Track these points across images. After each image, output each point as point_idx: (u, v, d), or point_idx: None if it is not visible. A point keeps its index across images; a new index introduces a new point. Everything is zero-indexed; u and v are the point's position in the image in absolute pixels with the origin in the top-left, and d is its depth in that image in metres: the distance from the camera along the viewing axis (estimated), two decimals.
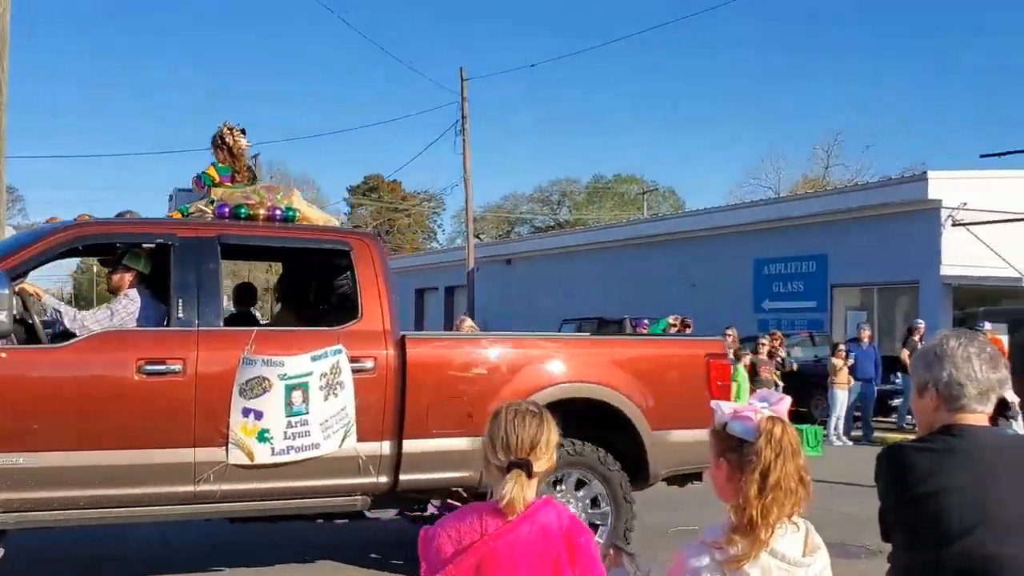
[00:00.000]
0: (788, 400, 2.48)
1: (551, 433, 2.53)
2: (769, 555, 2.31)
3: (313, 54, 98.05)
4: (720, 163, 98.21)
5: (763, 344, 15.90)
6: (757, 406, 2.43)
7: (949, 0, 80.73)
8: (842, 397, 16.02)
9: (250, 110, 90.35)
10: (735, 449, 2.40)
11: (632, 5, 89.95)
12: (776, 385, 15.34)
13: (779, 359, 16.43)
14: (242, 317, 7.98)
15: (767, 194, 50.24)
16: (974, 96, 79.36)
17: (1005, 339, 20.18)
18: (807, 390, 16.95)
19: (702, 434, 2.73)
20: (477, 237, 52.44)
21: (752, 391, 15.11)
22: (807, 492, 2.37)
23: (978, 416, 2.57)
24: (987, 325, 17.41)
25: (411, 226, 71.72)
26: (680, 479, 7.74)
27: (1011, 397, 14.88)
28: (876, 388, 16.82)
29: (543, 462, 2.50)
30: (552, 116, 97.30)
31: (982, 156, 19.95)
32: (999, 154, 19.58)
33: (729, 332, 16.45)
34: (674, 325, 16.57)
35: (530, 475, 2.47)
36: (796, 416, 16.75)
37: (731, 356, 16.04)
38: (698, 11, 79.47)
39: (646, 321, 17.13)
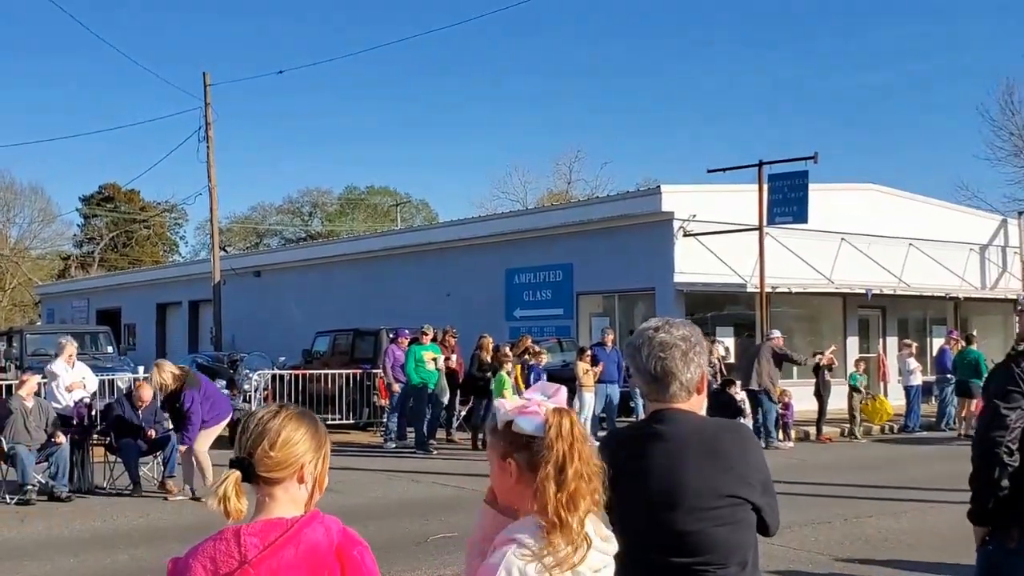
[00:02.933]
0: (564, 390, 2.41)
1: (297, 437, 2.26)
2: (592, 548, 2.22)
3: (45, 54, 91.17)
4: (469, 177, 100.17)
5: (507, 352, 16.36)
6: (539, 399, 2.33)
7: (676, 25, 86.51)
8: (589, 399, 16.76)
9: None
10: (523, 447, 2.26)
11: (384, 15, 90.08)
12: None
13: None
14: None
15: (515, 207, 51.77)
16: (702, 115, 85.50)
17: (731, 342, 21.92)
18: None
19: None
20: (223, 249, 50.63)
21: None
22: (604, 477, 2.30)
23: (684, 403, 2.67)
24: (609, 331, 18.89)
25: (151, 238, 68.13)
26: None
27: (739, 395, 16.25)
28: (619, 390, 17.73)
29: (280, 470, 2.23)
30: (302, 124, 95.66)
31: (709, 171, 21.40)
32: (724, 169, 21.13)
33: (484, 340, 16.88)
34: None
35: (251, 479, 2.22)
36: None
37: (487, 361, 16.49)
38: (442, 27, 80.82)
39: (407, 331, 17.18)
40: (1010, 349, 3.84)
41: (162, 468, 11.99)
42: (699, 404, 2.75)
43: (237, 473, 2.21)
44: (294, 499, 2.27)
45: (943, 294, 24.24)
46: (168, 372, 11.39)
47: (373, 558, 2.30)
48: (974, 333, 20.35)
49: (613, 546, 2.34)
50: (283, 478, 2.24)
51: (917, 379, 19.20)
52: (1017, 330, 3.96)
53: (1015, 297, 25.41)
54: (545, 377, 16.10)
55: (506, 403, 2.35)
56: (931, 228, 25.81)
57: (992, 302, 26.65)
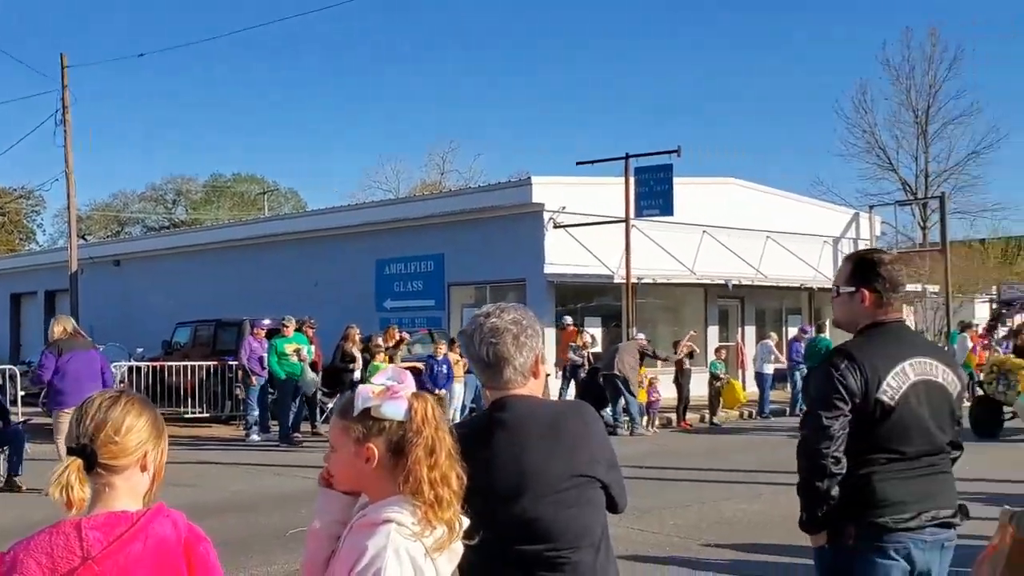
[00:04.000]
0: (411, 376, 2.42)
1: (140, 423, 2.20)
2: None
3: None
4: (341, 167, 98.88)
5: (379, 343, 16.24)
6: (394, 385, 2.33)
7: (551, 23, 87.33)
8: (459, 390, 16.78)
9: None
10: (382, 433, 2.28)
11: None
12: None
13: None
14: None
15: (387, 197, 51.36)
16: (571, 110, 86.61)
17: (599, 332, 22.33)
18: (425, 385, 17.55)
19: None
20: (82, 237, 48.58)
21: None
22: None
23: (521, 388, 2.67)
24: (568, 319, 19.36)
25: (6, 226, 64.86)
26: None
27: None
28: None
29: (124, 457, 2.16)
30: (163, 110, 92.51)
31: (578, 163, 21.75)
32: (591, 162, 21.51)
33: (352, 329, 16.69)
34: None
35: (92, 467, 2.12)
36: None
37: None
38: (312, 9, 79.42)
39: (266, 322, 16.82)
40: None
41: (6, 464, 11.37)
42: (538, 388, 2.74)
43: (79, 461, 2.11)
44: (134, 489, 2.19)
45: (798, 285, 25.26)
46: (60, 325, 10.76)
47: (215, 555, 2.25)
48: (825, 322, 21.27)
49: (466, 520, 2.37)
50: (126, 466, 2.16)
51: (769, 368, 19.91)
52: (833, 316, 3.87)
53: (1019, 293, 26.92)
54: (447, 368, 16.07)
55: (368, 388, 2.34)
56: (788, 221, 26.82)
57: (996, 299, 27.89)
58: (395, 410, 2.29)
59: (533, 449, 2.60)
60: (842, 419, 3.35)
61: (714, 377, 18.52)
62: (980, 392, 16.55)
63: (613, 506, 2.73)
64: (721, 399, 18.65)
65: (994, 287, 27.96)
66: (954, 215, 37.83)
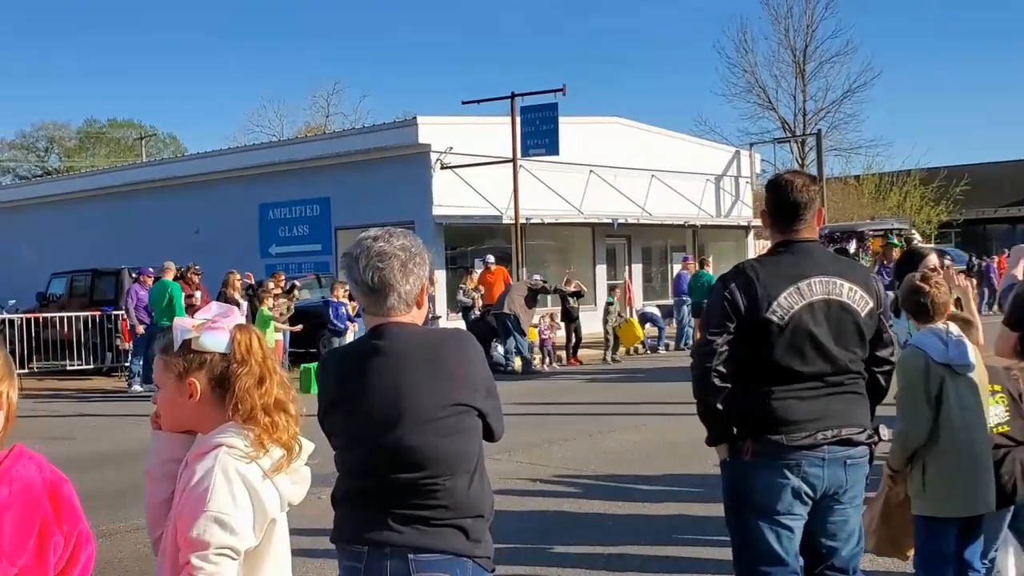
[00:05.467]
0: (237, 310, 2.45)
1: None
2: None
3: None
4: (222, 112, 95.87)
5: (269, 288, 15.97)
6: (215, 317, 2.36)
7: None
8: (351, 335, 16.63)
9: None
10: (203, 366, 2.31)
11: None
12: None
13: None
14: None
15: (271, 140, 50.09)
16: (458, 48, 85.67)
17: None
18: (315, 330, 17.35)
19: None
20: None
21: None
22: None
23: (403, 316, 2.63)
24: (491, 258, 19.29)
25: None
26: None
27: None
28: None
29: None
30: (32, 52, 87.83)
31: (463, 103, 21.55)
32: (477, 101, 21.37)
33: (235, 277, 16.33)
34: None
35: None
36: (304, 356, 17.13)
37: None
38: None
39: (151, 270, 16.29)
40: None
41: None
42: (420, 317, 2.71)
43: None
44: None
45: (682, 222, 25.77)
46: None
47: (76, 495, 2.14)
48: (708, 258, 21.79)
49: (310, 445, 2.41)
50: None
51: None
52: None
53: (746, 224, 27.49)
54: (346, 309, 15.86)
55: (186, 321, 2.35)
56: (671, 160, 27.23)
57: (726, 229, 28.63)
58: (215, 341, 2.30)
59: (411, 377, 2.58)
60: (725, 336, 3.42)
61: (608, 314, 18.71)
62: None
63: (490, 434, 2.72)
64: (619, 337, 18.81)
65: (868, 220, 29.04)
66: (830, 152, 39.16)
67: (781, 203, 3.56)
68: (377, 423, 2.56)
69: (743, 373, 3.46)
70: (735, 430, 3.53)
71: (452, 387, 2.60)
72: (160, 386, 2.41)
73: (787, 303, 3.41)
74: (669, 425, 10.73)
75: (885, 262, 16.38)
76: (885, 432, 3.77)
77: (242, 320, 2.39)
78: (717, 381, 3.45)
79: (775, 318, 3.40)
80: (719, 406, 3.48)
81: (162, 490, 2.42)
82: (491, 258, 19.33)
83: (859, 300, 3.50)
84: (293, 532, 2.55)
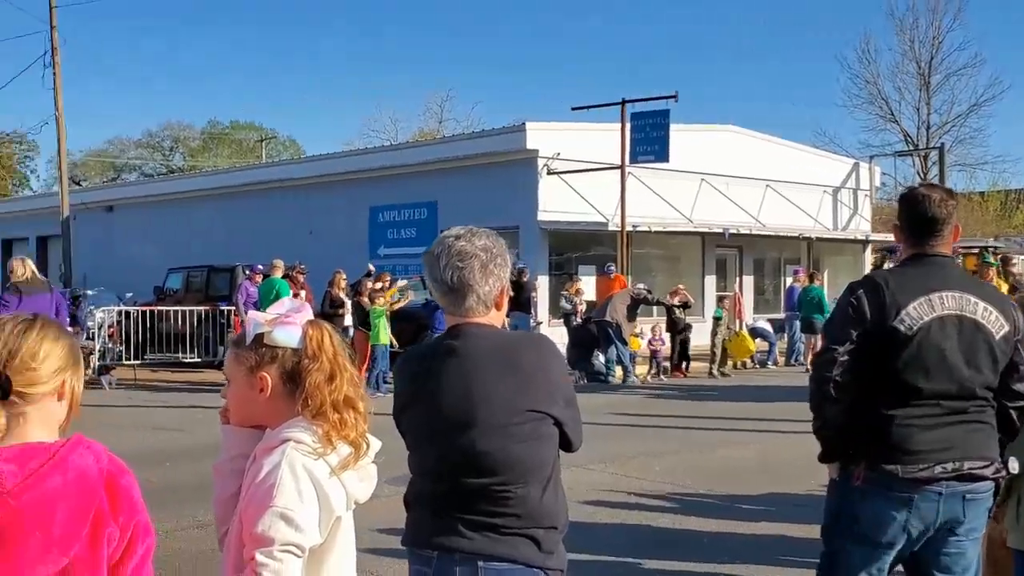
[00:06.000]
0: (309, 307, 2.40)
1: (58, 349, 2.01)
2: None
3: None
4: (339, 116, 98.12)
5: (378, 288, 16.13)
6: (288, 312, 2.32)
7: None
8: None
9: None
10: (275, 360, 2.27)
11: None
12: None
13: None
14: None
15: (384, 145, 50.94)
16: (568, 55, 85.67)
17: (593, 281, 22.17)
18: (418, 332, 17.45)
19: None
20: (77, 183, 48.21)
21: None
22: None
23: (481, 317, 2.55)
24: (612, 267, 19.01)
25: None
26: None
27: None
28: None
29: (42, 384, 1.97)
30: (160, 53, 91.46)
31: (573, 109, 21.45)
32: (587, 107, 21.22)
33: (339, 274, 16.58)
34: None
35: (6, 395, 1.94)
36: None
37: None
38: None
39: (260, 267, 16.66)
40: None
41: None
42: (498, 320, 2.62)
43: None
44: (47, 419, 2.02)
45: (797, 234, 25.07)
46: (21, 265, 10.58)
47: (139, 489, 2.08)
48: (816, 271, 21.12)
49: (378, 443, 2.36)
50: (43, 394, 1.99)
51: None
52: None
53: (864, 238, 26.54)
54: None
55: (259, 315, 2.31)
56: (787, 170, 26.54)
57: (843, 243, 27.75)
58: (287, 336, 2.27)
59: (485, 379, 2.49)
60: (848, 345, 3.23)
61: (718, 325, 18.26)
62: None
63: (567, 444, 2.61)
64: (725, 348, 18.30)
65: (991, 239, 27.77)
66: (954, 167, 37.67)
67: (916, 217, 3.37)
68: (449, 425, 2.49)
69: (864, 388, 3.25)
70: (850, 450, 3.32)
71: (528, 393, 2.49)
72: (230, 380, 2.38)
73: (916, 313, 3.19)
74: (776, 443, 10.36)
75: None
76: (1015, 465, 3.45)
77: (310, 315, 2.35)
78: (836, 393, 3.25)
79: (902, 327, 3.18)
80: (836, 421, 3.29)
81: (230, 485, 2.39)
82: (612, 266, 19.07)
83: (994, 322, 3.25)
84: (360, 530, 2.48)
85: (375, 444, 2.35)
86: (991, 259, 15.24)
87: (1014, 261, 18.21)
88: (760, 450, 10.00)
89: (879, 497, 3.21)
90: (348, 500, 2.27)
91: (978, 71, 38.50)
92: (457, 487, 2.48)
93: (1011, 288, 15.98)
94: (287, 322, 2.28)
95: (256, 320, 2.30)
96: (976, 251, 15.36)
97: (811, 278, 19.48)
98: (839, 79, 62.10)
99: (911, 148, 38.69)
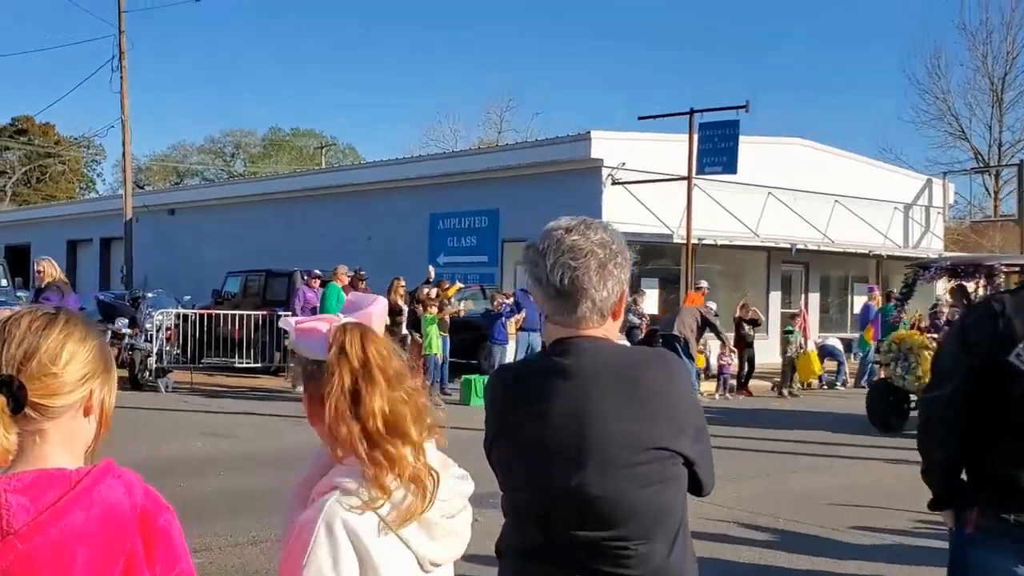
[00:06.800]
0: (383, 301, 1.90)
1: (85, 351, 1.62)
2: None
3: None
4: (399, 124, 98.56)
5: (433, 295, 15.85)
6: (338, 317, 1.83)
7: None
8: (511, 348, 16.27)
9: None
10: (311, 376, 1.80)
11: None
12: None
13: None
14: None
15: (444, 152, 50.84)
16: (637, 64, 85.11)
17: (655, 294, 21.62)
18: (477, 342, 17.10)
19: None
20: (140, 187, 48.85)
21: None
22: (426, 409, 1.82)
23: (595, 329, 2.09)
24: (704, 283, 18.36)
25: (66, 174, 65.51)
26: None
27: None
28: (542, 339, 17.31)
29: (64, 395, 1.58)
30: (225, 61, 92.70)
31: (640, 118, 20.94)
32: (654, 116, 20.67)
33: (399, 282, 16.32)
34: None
35: (19, 407, 1.52)
36: (466, 367, 16.88)
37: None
38: None
39: (318, 272, 16.43)
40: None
41: None
42: (613, 332, 2.15)
43: (1, 399, 1.52)
44: (72, 439, 1.61)
45: (866, 251, 24.28)
46: (52, 266, 10.48)
47: (180, 527, 1.67)
48: (894, 291, 20.33)
49: (469, 485, 1.86)
50: (65, 407, 1.59)
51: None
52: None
53: (936, 257, 25.59)
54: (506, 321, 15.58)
55: (291, 321, 1.83)
56: (856, 185, 25.76)
57: (914, 261, 26.80)
58: (308, 346, 1.79)
59: (602, 407, 2.02)
60: (956, 380, 2.83)
61: (788, 344, 17.61)
62: (880, 374, 14.42)
63: (698, 487, 2.15)
64: (795, 369, 17.64)
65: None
66: None
67: None
68: (555, 463, 2.02)
69: (976, 428, 2.85)
70: (962, 495, 2.95)
71: (654, 425, 2.03)
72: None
73: None
74: (856, 469, 9.82)
75: None
76: None
77: (368, 313, 1.85)
78: (945, 433, 2.89)
79: (1018, 362, 2.72)
80: (946, 464, 2.93)
81: (293, 516, 1.87)
82: (704, 282, 18.48)
83: None
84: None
85: (455, 484, 1.83)
86: None
87: None
88: (841, 476, 9.45)
89: (990, 547, 2.84)
90: (421, 562, 1.77)
91: None
92: (563, 540, 2.01)
93: None
94: (308, 329, 1.81)
95: (288, 327, 1.84)
96: (1019, 268, 13.73)
97: (888, 297, 18.70)
98: (907, 94, 60.64)
99: (983, 166, 37.52)
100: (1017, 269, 13.67)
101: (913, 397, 12.64)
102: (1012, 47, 37.13)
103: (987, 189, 38.69)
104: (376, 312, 1.84)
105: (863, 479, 9.30)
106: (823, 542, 6.85)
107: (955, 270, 14.18)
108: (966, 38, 38.26)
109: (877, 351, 18.03)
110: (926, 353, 12.28)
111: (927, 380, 3.06)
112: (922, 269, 14.44)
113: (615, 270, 2.08)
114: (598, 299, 2.06)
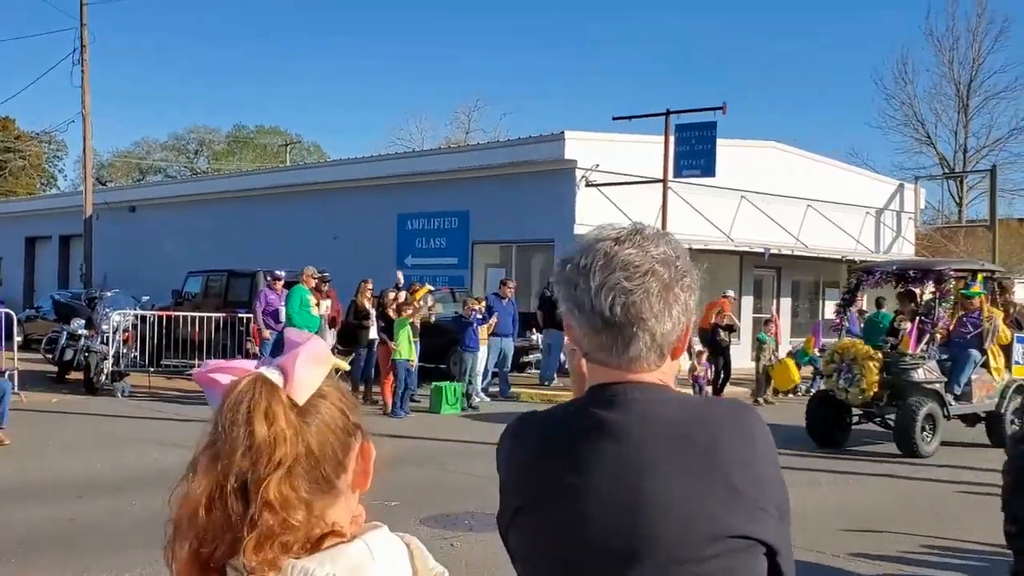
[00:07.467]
0: (320, 342, 1.36)
1: None
2: None
3: None
4: (364, 123, 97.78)
5: (405, 299, 15.33)
6: (233, 363, 1.33)
7: None
8: (482, 353, 15.84)
9: None
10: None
11: None
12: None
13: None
14: None
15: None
16: (607, 66, 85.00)
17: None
18: (447, 346, 16.64)
19: None
20: (102, 183, 47.84)
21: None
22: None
23: (651, 373, 1.56)
24: (731, 292, 17.91)
25: (26, 169, 64.16)
26: None
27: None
28: (514, 344, 16.88)
29: None
30: (187, 57, 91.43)
31: (614, 119, 20.57)
32: (629, 117, 20.31)
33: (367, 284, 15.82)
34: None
35: None
36: (436, 372, 16.41)
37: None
38: None
39: (281, 273, 15.88)
40: None
41: None
42: (670, 374, 1.61)
43: None
44: None
45: (839, 256, 24.11)
46: None
47: None
48: (884, 297, 20.08)
49: None
50: None
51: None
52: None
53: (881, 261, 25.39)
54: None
55: (210, 363, 1.35)
56: (829, 189, 25.61)
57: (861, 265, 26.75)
58: (210, 396, 1.33)
59: (663, 481, 1.48)
60: None
61: (762, 351, 17.30)
62: (821, 386, 13.67)
63: None
64: (770, 377, 17.22)
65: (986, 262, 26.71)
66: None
67: None
68: (600, 554, 1.49)
69: None
70: None
71: (732, 504, 1.49)
72: None
73: None
74: (856, 488, 9.51)
75: (965, 312, 12.75)
76: None
77: (315, 352, 1.32)
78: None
79: None
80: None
81: None
82: (731, 292, 18.07)
83: None
84: None
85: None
86: (975, 288, 12.74)
87: (1013, 289, 15.88)
88: (839, 493, 9.13)
89: None
90: None
91: (1019, 94, 37.42)
92: None
93: (1006, 316, 13.32)
94: (211, 379, 1.33)
95: (203, 369, 1.37)
96: (968, 275, 13.01)
97: (879, 303, 18.40)
98: (874, 99, 60.96)
99: (948, 172, 37.68)
100: (966, 275, 13.14)
101: (856, 411, 12.16)
102: (978, 54, 37.38)
103: (951, 194, 38.92)
104: (312, 355, 1.32)
105: (865, 497, 9.03)
106: (828, 568, 6.49)
107: (902, 275, 13.64)
108: (932, 44, 38.48)
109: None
110: (871, 364, 11.68)
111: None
112: (866, 274, 13.82)
113: (682, 294, 1.56)
114: (659, 333, 1.54)
